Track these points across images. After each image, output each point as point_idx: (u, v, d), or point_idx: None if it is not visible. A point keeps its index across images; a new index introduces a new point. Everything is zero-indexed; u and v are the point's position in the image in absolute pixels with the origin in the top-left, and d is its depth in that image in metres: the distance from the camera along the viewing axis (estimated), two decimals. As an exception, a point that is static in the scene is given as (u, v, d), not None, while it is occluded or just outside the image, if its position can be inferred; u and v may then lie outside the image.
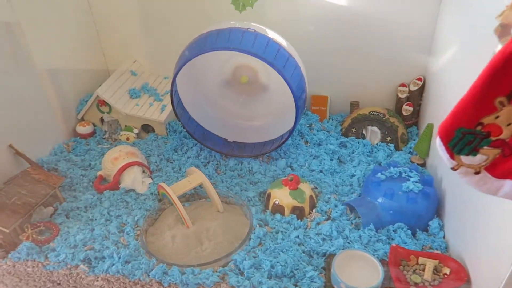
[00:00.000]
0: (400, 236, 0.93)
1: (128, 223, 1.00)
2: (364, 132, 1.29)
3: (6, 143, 1.09)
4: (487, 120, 0.45)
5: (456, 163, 0.49)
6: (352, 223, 0.99)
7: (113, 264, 0.88)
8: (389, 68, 1.32)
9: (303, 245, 0.93)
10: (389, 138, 1.25)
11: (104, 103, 1.33)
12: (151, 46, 1.50)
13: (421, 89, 1.29)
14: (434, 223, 0.96)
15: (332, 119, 1.40)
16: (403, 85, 1.32)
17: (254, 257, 0.89)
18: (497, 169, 0.48)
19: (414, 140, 1.27)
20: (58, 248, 0.93)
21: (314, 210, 1.03)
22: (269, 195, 1.05)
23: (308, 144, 1.28)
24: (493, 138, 0.46)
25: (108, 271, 0.88)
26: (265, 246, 0.92)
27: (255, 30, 1.01)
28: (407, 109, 1.31)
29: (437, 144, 0.49)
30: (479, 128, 0.46)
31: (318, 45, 1.31)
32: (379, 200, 0.98)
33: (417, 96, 1.30)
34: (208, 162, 1.23)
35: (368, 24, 1.26)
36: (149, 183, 1.14)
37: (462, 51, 0.99)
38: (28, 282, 0.92)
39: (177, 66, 1.05)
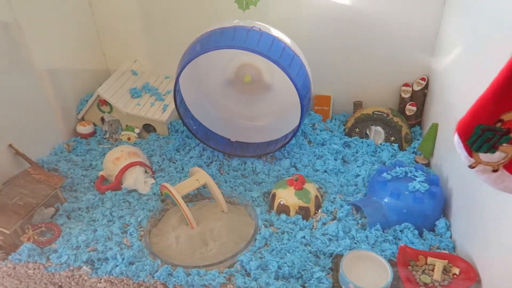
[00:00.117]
0: (407, 236, 0.92)
1: (131, 223, 0.98)
2: (367, 132, 1.28)
3: (6, 143, 1.07)
4: (507, 116, 0.44)
5: (474, 160, 0.48)
6: (358, 223, 0.98)
7: (116, 266, 0.87)
8: (392, 68, 1.32)
9: (310, 246, 0.92)
10: (393, 138, 1.25)
11: (105, 102, 1.31)
12: (152, 46, 1.49)
13: (425, 89, 1.29)
14: (441, 223, 0.95)
15: (335, 119, 1.39)
16: (406, 85, 1.32)
17: (261, 258, 0.88)
18: (516, 167, 0.47)
19: (418, 140, 1.26)
20: (60, 249, 0.91)
21: (319, 210, 1.02)
22: (274, 195, 1.04)
23: (312, 144, 1.27)
24: (513, 135, 0.45)
25: (111, 272, 0.86)
26: (271, 246, 0.91)
27: (260, 29, 1.00)
28: (410, 109, 1.31)
29: (455, 141, 0.48)
30: (498, 124, 0.45)
31: (321, 45, 1.31)
32: (385, 200, 0.97)
33: (421, 96, 1.29)
34: (211, 162, 1.22)
35: (371, 24, 1.26)
36: (152, 183, 1.12)
37: (467, 51, 0.99)
38: (29, 284, 0.90)
39: (181, 65, 1.04)
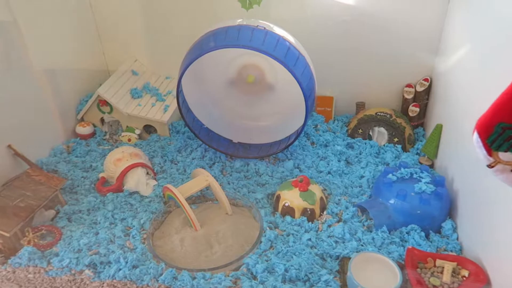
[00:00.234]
0: (414, 238, 0.91)
1: (134, 226, 0.97)
2: (370, 133, 1.27)
3: (5, 144, 1.05)
4: (528, 115, 0.44)
5: (493, 160, 0.47)
6: (364, 225, 0.97)
7: (120, 269, 0.85)
8: (395, 69, 1.31)
9: (316, 248, 0.90)
10: (396, 139, 1.24)
11: (105, 103, 1.29)
12: (152, 46, 1.47)
13: (428, 90, 1.28)
14: (447, 225, 0.94)
15: (338, 120, 1.38)
16: (409, 85, 1.31)
17: (267, 261, 0.86)
18: (535, 167, 0.46)
19: (421, 141, 1.26)
20: (61, 252, 0.89)
21: (324, 212, 1.01)
22: (278, 197, 1.02)
23: (315, 145, 1.26)
24: (534, 134, 0.44)
25: (114, 276, 0.84)
26: (277, 249, 0.90)
27: (264, 28, 0.99)
28: (413, 110, 1.30)
29: (474, 139, 0.47)
30: (520, 123, 0.44)
31: (323, 45, 1.30)
32: (391, 201, 0.96)
33: (424, 97, 1.29)
34: (214, 164, 1.20)
35: (374, 24, 1.25)
36: (154, 185, 1.10)
37: (473, 50, 0.98)
38: (28, 288, 0.88)
39: (184, 65, 1.02)
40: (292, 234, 0.94)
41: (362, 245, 0.90)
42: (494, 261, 0.77)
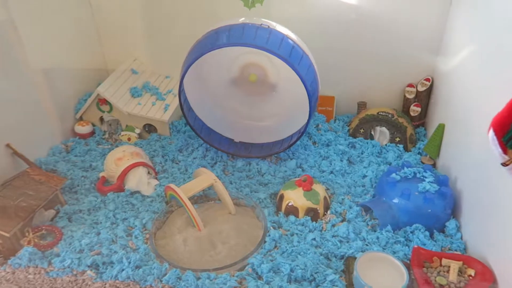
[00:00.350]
0: (418, 238, 0.91)
1: (136, 226, 0.95)
2: (372, 133, 1.27)
3: (3, 143, 1.03)
4: (545, 112, 0.43)
5: (508, 158, 0.47)
6: (368, 225, 0.96)
7: (123, 270, 0.83)
8: (397, 69, 1.31)
9: (320, 248, 0.90)
10: (398, 139, 1.24)
11: (105, 102, 1.27)
12: (152, 45, 1.46)
13: (429, 90, 1.28)
14: (451, 224, 0.94)
15: (339, 120, 1.38)
16: (410, 85, 1.31)
17: (272, 261, 0.85)
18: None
19: (422, 141, 1.26)
20: (62, 253, 0.87)
21: (328, 212, 1.01)
22: (281, 196, 1.02)
23: (316, 144, 1.26)
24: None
25: (117, 277, 0.83)
26: (281, 249, 0.89)
27: (268, 26, 0.99)
28: (414, 110, 1.30)
29: (490, 137, 0.47)
30: (536, 121, 0.44)
31: (324, 45, 1.29)
32: (395, 200, 0.96)
33: (425, 97, 1.29)
34: (215, 163, 1.19)
35: (375, 24, 1.25)
36: (155, 185, 1.09)
37: (476, 50, 0.98)
38: (28, 290, 0.86)
39: (186, 63, 1.01)
40: (296, 233, 0.94)
41: (367, 245, 0.90)
42: (500, 260, 0.77)
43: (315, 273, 0.83)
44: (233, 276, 0.82)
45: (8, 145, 1.04)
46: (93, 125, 1.34)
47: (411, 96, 1.31)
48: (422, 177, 1.00)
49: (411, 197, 0.94)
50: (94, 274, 0.84)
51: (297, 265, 0.83)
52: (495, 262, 0.78)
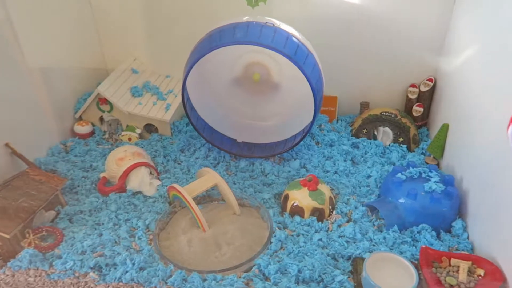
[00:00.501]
0: (425, 238, 0.90)
1: (139, 227, 0.93)
2: (375, 133, 1.27)
3: (2, 143, 1.01)
4: None
5: (528, 154, 0.46)
6: (374, 225, 0.95)
7: (126, 272, 0.81)
8: (399, 69, 1.31)
9: (327, 248, 0.89)
10: (401, 139, 1.24)
11: (105, 101, 1.26)
12: (152, 45, 1.44)
13: (432, 90, 1.28)
14: (457, 224, 0.93)
15: (341, 120, 1.37)
16: (413, 85, 1.31)
17: (279, 262, 0.84)
18: None
19: (425, 141, 1.25)
20: (64, 255, 0.85)
21: (334, 212, 1.00)
22: (286, 197, 1.00)
23: (320, 145, 1.25)
24: None
25: (121, 279, 0.81)
26: (288, 249, 0.88)
27: (273, 25, 0.98)
28: (417, 110, 1.30)
29: (509, 133, 0.46)
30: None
31: (327, 45, 1.28)
32: (401, 200, 0.95)
33: (428, 97, 1.29)
34: (218, 163, 1.18)
35: (378, 24, 1.25)
36: (158, 185, 1.07)
37: (480, 50, 0.98)
38: (29, 292, 0.84)
39: (190, 62, 1.00)
40: (302, 234, 0.92)
41: (374, 245, 0.89)
42: (510, 259, 0.76)
43: (323, 274, 0.82)
44: (240, 277, 0.81)
45: (7, 145, 1.01)
46: (93, 125, 1.31)
47: (413, 97, 1.30)
48: (427, 177, 1.00)
49: (417, 197, 0.94)
50: (97, 276, 0.82)
51: (304, 266, 0.82)
52: (505, 261, 0.77)
